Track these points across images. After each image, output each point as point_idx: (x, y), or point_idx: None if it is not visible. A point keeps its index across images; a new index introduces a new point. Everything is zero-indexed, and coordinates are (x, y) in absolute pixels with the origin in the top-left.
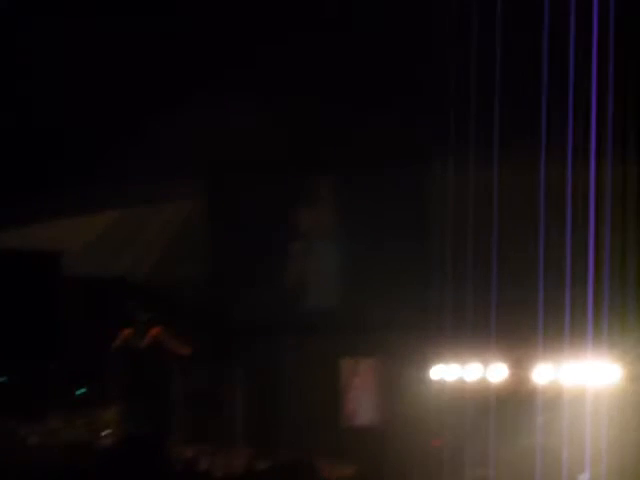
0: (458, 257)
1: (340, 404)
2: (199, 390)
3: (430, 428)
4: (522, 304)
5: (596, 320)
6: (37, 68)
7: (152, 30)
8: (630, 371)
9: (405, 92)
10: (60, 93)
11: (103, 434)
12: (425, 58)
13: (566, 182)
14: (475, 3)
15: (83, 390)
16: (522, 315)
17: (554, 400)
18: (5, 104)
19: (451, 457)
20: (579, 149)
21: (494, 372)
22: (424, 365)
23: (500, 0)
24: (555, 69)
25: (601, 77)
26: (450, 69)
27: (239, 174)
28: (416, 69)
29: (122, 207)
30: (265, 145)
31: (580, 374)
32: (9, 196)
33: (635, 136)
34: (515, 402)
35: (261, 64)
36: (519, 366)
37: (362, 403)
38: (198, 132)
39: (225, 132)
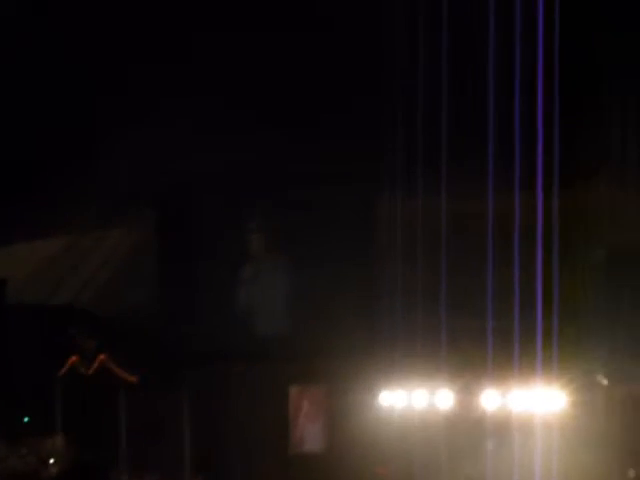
0: (406, 285)
1: (288, 430)
2: (146, 418)
3: (378, 454)
4: (470, 332)
5: (544, 348)
6: None
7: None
8: (576, 398)
9: (353, 122)
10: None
11: (49, 463)
12: (373, 89)
13: (514, 212)
14: (421, 36)
15: (28, 419)
16: (470, 342)
17: (502, 426)
18: None
19: None
20: (525, 179)
21: (442, 398)
22: (372, 392)
23: (446, 34)
24: (500, 101)
25: (547, 111)
26: (397, 100)
27: (187, 202)
28: (364, 99)
29: (67, 235)
30: (212, 173)
31: (527, 400)
32: None
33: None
34: (463, 428)
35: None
36: (467, 392)
37: (310, 429)
38: (145, 160)
39: (172, 160)
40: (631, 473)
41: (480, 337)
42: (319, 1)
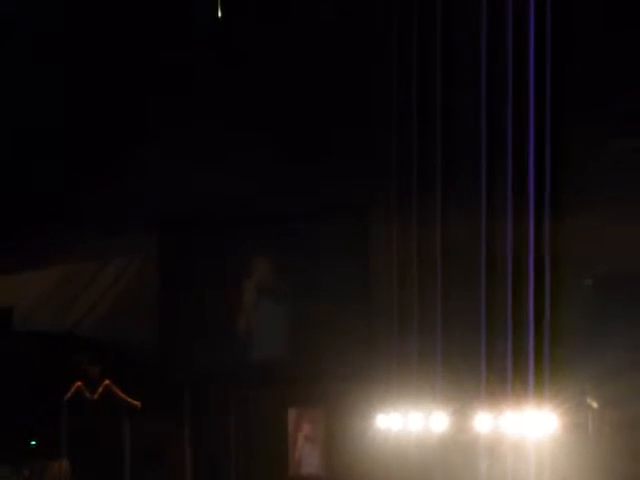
0: (401, 311)
1: (286, 453)
2: (148, 442)
3: (375, 476)
4: (464, 356)
5: (536, 372)
6: None
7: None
8: (566, 420)
9: (346, 151)
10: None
11: None
12: (363, 118)
13: (505, 241)
14: (415, 64)
15: (34, 443)
16: (464, 367)
17: (495, 448)
18: None
19: None
20: (517, 210)
21: (437, 421)
22: (369, 415)
23: (440, 63)
24: (494, 129)
25: (539, 141)
26: (390, 129)
27: (188, 231)
28: (356, 129)
29: (72, 263)
30: (211, 201)
31: (520, 423)
32: None
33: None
34: (457, 450)
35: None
36: (461, 415)
37: (308, 452)
38: (147, 189)
39: (174, 188)
40: None
41: (473, 362)
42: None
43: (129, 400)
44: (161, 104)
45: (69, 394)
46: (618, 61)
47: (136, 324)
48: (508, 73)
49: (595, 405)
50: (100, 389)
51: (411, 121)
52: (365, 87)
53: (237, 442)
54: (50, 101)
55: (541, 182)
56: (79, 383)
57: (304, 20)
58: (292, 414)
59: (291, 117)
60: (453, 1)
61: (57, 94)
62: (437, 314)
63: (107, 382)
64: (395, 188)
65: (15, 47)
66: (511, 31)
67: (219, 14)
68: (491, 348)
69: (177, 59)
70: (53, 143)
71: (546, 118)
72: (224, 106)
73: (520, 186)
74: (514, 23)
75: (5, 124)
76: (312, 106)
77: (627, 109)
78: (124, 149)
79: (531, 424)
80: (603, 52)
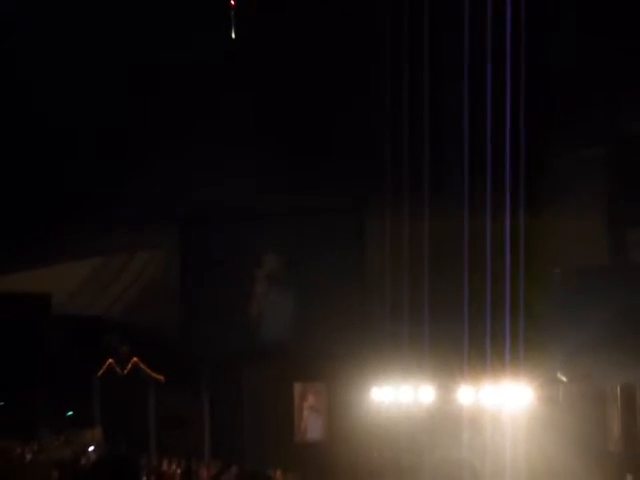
0: (394, 296)
1: (292, 422)
2: (171, 411)
3: (370, 442)
4: (448, 337)
5: (512, 350)
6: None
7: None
8: (539, 393)
9: (344, 158)
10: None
11: (89, 451)
12: (359, 129)
13: (485, 235)
14: (405, 81)
15: (71, 413)
16: (448, 346)
17: (476, 418)
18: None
19: (388, 467)
20: (495, 209)
21: (424, 394)
22: (365, 388)
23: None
24: (475, 141)
25: (514, 151)
26: (385, 135)
27: (205, 226)
28: (353, 138)
29: (103, 255)
30: (225, 200)
31: (498, 396)
32: (10, 248)
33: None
34: (442, 420)
35: (226, 120)
36: (446, 389)
37: (312, 421)
38: (169, 189)
39: (192, 188)
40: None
41: (457, 341)
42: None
43: (154, 375)
44: (178, 111)
45: (102, 370)
46: (584, 87)
47: (160, 309)
48: (487, 97)
49: (565, 379)
50: (129, 366)
51: (402, 131)
52: (361, 97)
53: (249, 411)
54: (83, 104)
55: (516, 186)
56: (110, 361)
57: (303, 25)
58: (298, 387)
59: (295, 127)
60: (439, 18)
61: (90, 98)
62: (424, 300)
63: (135, 359)
64: (388, 189)
65: (48, 51)
66: (490, 57)
67: (232, 35)
68: (472, 329)
69: (185, 61)
70: (86, 146)
71: (520, 132)
72: (235, 117)
73: (498, 189)
74: (492, 54)
75: (40, 126)
76: (313, 116)
77: (590, 125)
78: (147, 154)
79: (508, 396)
80: (573, 76)
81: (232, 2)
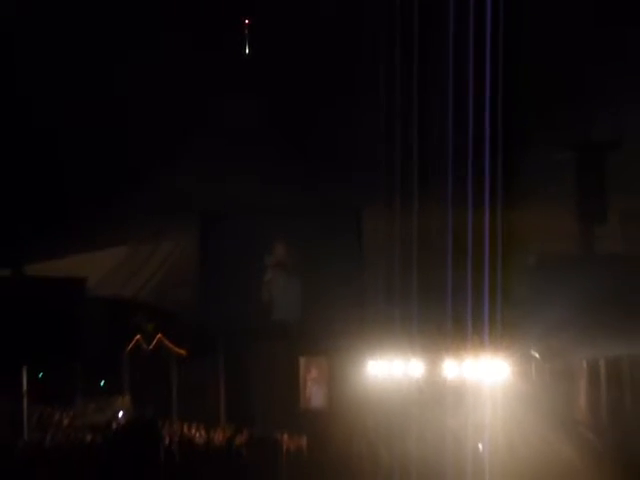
0: (387, 282)
1: (297, 391)
2: (191, 381)
3: (365, 410)
4: (435, 318)
5: (491, 330)
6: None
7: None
8: (515, 368)
9: (346, 159)
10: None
11: (119, 416)
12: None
13: (467, 228)
14: (398, 94)
15: (103, 383)
16: (435, 326)
17: (458, 389)
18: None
19: (381, 432)
20: (476, 204)
21: (414, 367)
22: (361, 362)
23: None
24: (459, 147)
25: (493, 153)
26: (377, 147)
27: (222, 220)
28: (351, 145)
29: (131, 244)
30: (239, 197)
31: (478, 370)
32: (52, 239)
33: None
34: (429, 390)
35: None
36: (432, 363)
37: (315, 391)
38: (190, 186)
39: (210, 186)
40: (555, 425)
41: (442, 321)
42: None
43: (176, 350)
44: (197, 115)
45: (130, 346)
46: (556, 100)
47: (182, 292)
48: (469, 105)
49: (537, 356)
50: (154, 342)
51: (394, 141)
52: (358, 106)
53: (260, 383)
54: (114, 104)
55: (496, 186)
56: (138, 337)
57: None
58: (302, 361)
59: (301, 133)
60: (426, 28)
61: (120, 97)
62: (413, 285)
63: (159, 336)
64: (382, 190)
65: (79, 51)
66: (472, 66)
67: (247, 51)
68: (455, 311)
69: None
70: (117, 146)
71: (498, 137)
72: (250, 120)
73: (479, 189)
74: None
75: (75, 123)
76: (317, 123)
77: (561, 133)
78: (172, 155)
79: (487, 370)
80: (546, 83)
81: (247, 21)
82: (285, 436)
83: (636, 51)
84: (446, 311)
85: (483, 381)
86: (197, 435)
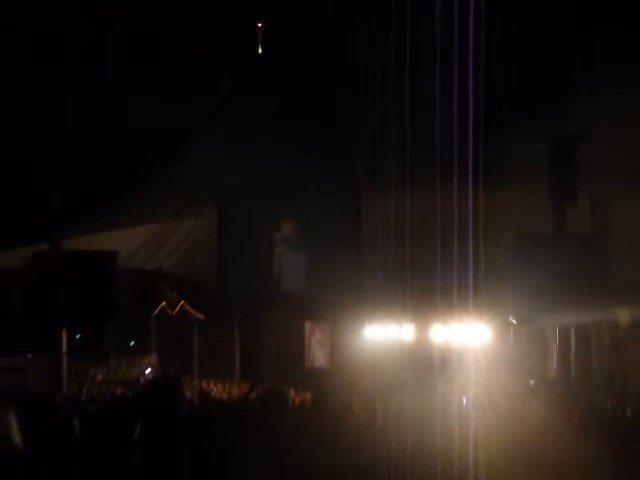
0: (383, 257)
1: (303, 352)
2: (210, 343)
3: (363, 369)
4: (424, 287)
5: (474, 299)
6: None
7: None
8: (494, 332)
9: (345, 150)
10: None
11: (146, 373)
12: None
13: (452, 210)
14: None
15: (133, 343)
16: (424, 295)
17: (446, 351)
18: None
19: (377, 387)
20: (461, 189)
21: (406, 332)
22: (359, 327)
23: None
24: (445, 137)
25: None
26: (374, 134)
27: (238, 200)
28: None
29: (158, 222)
30: (253, 182)
31: (463, 334)
32: (87, 217)
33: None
34: (420, 352)
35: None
36: (422, 328)
37: (318, 352)
38: (209, 170)
39: (227, 170)
40: (531, 382)
41: (431, 291)
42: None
43: (197, 315)
44: (211, 109)
45: (156, 311)
46: (534, 95)
47: (202, 264)
48: (454, 94)
49: (514, 322)
50: (177, 307)
51: (389, 130)
52: (356, 98)
53: (271, 344)
54: (147, 104)
55: (478, 172)
56: (163, 304)
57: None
58: (307, 326)
59: (306, 125)
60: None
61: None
62: (406, 259)
63: (182, 303)
64: (379, 174)
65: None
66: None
67: (260, 51)
68: (443, 282)
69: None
70: (146, 138)
71: (480, 126)
72: (259, 112)
73: (463, 172)
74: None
75: (112, 122)
76: (321, 119)
77: (536, 125)
78: (192, 144)
79: (470, 334)
80: (526, 83)
81: (259, 24)
82: (292, 391)
83: (608, 53)
84: (434, 282)
85: (467, 343)
86: (215, 389)
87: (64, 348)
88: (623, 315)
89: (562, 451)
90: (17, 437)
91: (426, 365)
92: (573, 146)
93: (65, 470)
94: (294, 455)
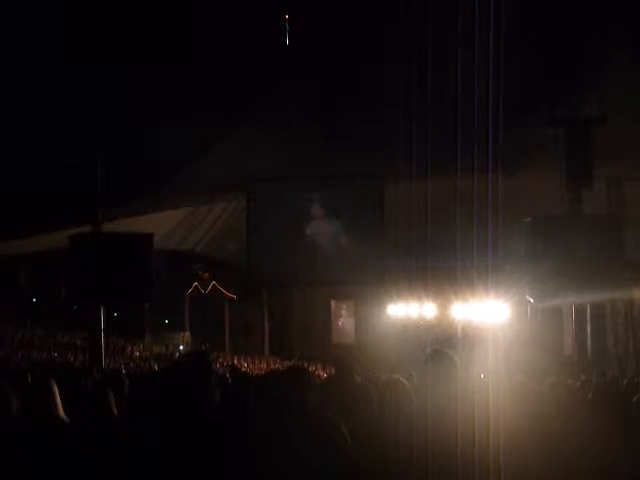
0: (405, 239)
1: (330, 329)
2: (240, 320)
3: (387, 344)
4: (444, 269)
5: (493, 278)
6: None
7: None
8: (512, 310)
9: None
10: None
11: (180, 349)
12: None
13: (472, 194)
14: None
15: (167, 321)
16: (445, 275)
17: (466, 327)
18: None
19: (397, 361)
20: (480, 174)
21: (428, 310)
22: (383, 305)
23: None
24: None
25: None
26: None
27: (266, 187)
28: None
29: (191, 207)
30: (280, 168)
31: (482, 312)
32: (126, 202)
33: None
34: (441, 329)
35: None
36: (443, 306)
37: (344, 328)
38: (239, 159)
39: (256, 159)
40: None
41: (451, 272)
42: None
43: (228, 294)
44: (239, 106)
45: (190, 290)
46: (548, 85)
47: (232, 246)
48: (475, 87)
49: (531, 300)
50: (209, 287)
51: (411, 119)
52: (379, 94)
53: (298, 321)
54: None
55: (497, 156)
56: (196, 283)
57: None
58: (334, 304)
59: (329, 120)
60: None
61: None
62: (427, 242)
63: (214, 283)
64: (401, 162)
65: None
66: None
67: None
68: (463, 263)
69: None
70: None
71: (499, 113)
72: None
73: (483, 159)
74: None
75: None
76: (344, 109)
77: (552, 111)
78: (224, 138)
79: (489, 313)
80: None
81: (286, 16)
82: (318, 364)
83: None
84: (455, 263)
85: (486, 320)
86: (245, 364)
87: (102, 326)
88: (638, 293)
89: (574, 426)
90: (59, 409)
91: (446, 342)
92: (588, 129)
93: (106, 442)
94: (317, 424)
